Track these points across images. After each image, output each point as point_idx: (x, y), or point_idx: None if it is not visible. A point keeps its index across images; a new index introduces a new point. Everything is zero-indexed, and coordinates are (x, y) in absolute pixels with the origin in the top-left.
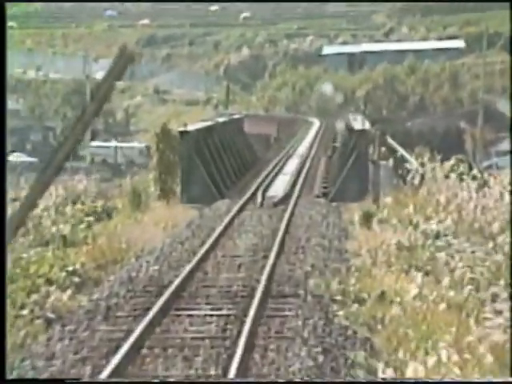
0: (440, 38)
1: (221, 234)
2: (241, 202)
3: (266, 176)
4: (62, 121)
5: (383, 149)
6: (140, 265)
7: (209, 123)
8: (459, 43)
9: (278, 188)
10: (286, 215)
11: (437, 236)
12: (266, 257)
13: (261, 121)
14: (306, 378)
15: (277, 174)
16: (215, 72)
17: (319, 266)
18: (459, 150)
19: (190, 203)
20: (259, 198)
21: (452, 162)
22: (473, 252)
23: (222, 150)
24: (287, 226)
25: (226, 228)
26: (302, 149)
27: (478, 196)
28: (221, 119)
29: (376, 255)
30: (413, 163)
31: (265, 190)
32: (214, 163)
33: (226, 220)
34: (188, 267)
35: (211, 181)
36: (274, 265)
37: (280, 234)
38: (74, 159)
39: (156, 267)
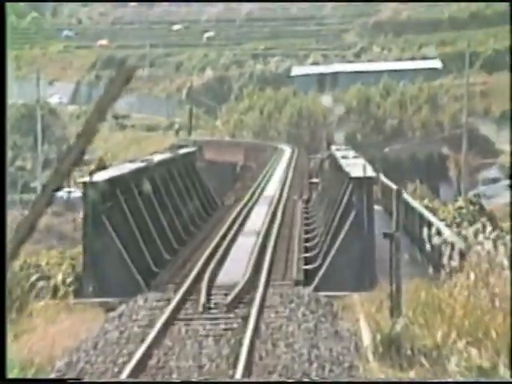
0: (414, 58)
1: None
2: (171, 306)
3: (219, 243)
4: (11, 149)
5: (402, 210)
6: None
7: (136, 165)
8: (436, 63)
9: (236, 268)
10: (247, 335)
11: None
12: None
13: (226, 147)
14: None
15: (235, 238)
16: (177, 95)
17: None
18: (443, 178)
19: (96, 297)
20: (202, 298)
21: (459, 203)
22: None
23: (154, 207)
24: (248, 360)
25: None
26: (272, 187)
27: None
28: (159, 156)
29: None
30: (447, 233)
31: (214, 275)
32: (138, 229)
33: (140, 352)
34: None
35: (131, 259)
36: None
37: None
38: (24, 191)
39: None
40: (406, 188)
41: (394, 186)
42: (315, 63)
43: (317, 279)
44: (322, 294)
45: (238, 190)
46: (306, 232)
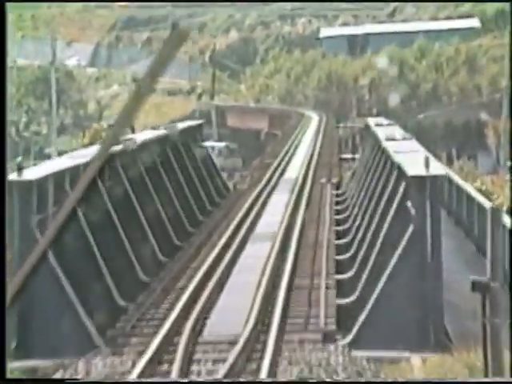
0: (451, 18)
1: None
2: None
3: (214, 266)
4: (25, 113)
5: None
6: None
7: (109, 148)
8: (474, 22)
9: (235, 304)
10: None
11: None
12: None
13: (250, 113)
14: None
15: (241, 248)
16: (200, 58)
17: None
18: (481, 147)
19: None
20: (177, 366)
21: None
22: None
23: (132, 205)
24: None
25: None
26: (296, 164)
27: None
28: (148, 136)
29: None
30: None
31: (200, 324)
32: (93, 257)
33: None
34: None
35: (83, 302)
36: None
37: None
38: (37, 157)
39: None
40: (441, 158)
41: (486, 202)
42: (345, 24)
43: (355, 328)
44: (363, 353)
45: (256, 168)
46: (338, 236)
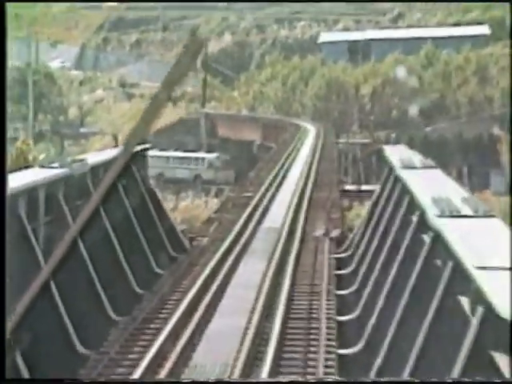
0: (459, 24)
1: None
2: None
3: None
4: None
5: None
6: None
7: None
8: (484, 29)
9: None
10: None
11: None
12: None
13: (242, 123)
14: None
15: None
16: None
17: None
18: (493, 164)
19: None
20: None
21: None
22: None
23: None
24: None
25: None
26: (282, 204)
27: None
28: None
29: None
30: None
31: None
32: None
33: None
34: None
35: None
36: None
37: None
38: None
39: None
40: (451, 174)
41: None
42: (346, 29)
43: None
44: None
45: (229, 207)
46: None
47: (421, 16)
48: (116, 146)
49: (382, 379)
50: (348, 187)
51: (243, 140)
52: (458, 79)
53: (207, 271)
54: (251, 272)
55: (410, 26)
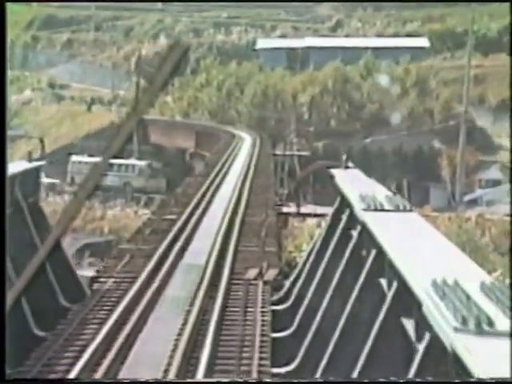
0: (398, 36)
1: None
2: None
3: None
4: None
5: None
6: None
7: None
8: (423, 42)
9: None
10: None
11: None
12: None
13: (176, 129)
14: None
15: None
16: (125, 64)
17: None
18: (435, 178)
19: None
20: None
21: None
22: None
23: None
24: None
25: None
26: (209, 232)
27: None
28: None
29: None
30: None
31: None
32: None
33: None
34: None
35: None
36: None
37: None
38: None
39: None
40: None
41: None
42: (283, 36)
43: None
44: None
45: (146, 235)
46: None
47: (360, 26)
48: (42, 150)
49: (381, 379)
50: (286, 209)
51: (176, 147)
52: (398, 90)
53: (99, 339)
54: (157, 341)
55: (348, 36)
